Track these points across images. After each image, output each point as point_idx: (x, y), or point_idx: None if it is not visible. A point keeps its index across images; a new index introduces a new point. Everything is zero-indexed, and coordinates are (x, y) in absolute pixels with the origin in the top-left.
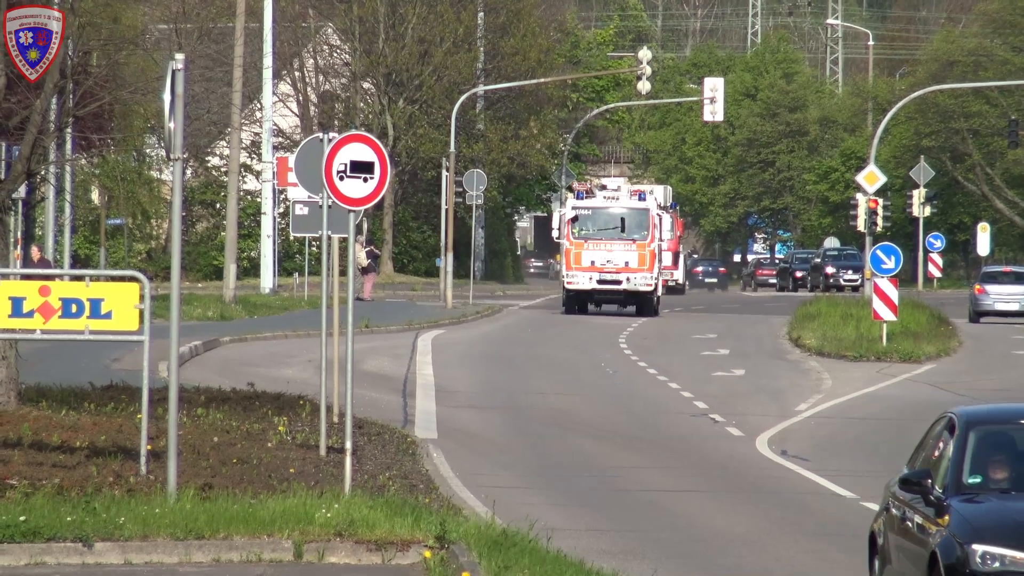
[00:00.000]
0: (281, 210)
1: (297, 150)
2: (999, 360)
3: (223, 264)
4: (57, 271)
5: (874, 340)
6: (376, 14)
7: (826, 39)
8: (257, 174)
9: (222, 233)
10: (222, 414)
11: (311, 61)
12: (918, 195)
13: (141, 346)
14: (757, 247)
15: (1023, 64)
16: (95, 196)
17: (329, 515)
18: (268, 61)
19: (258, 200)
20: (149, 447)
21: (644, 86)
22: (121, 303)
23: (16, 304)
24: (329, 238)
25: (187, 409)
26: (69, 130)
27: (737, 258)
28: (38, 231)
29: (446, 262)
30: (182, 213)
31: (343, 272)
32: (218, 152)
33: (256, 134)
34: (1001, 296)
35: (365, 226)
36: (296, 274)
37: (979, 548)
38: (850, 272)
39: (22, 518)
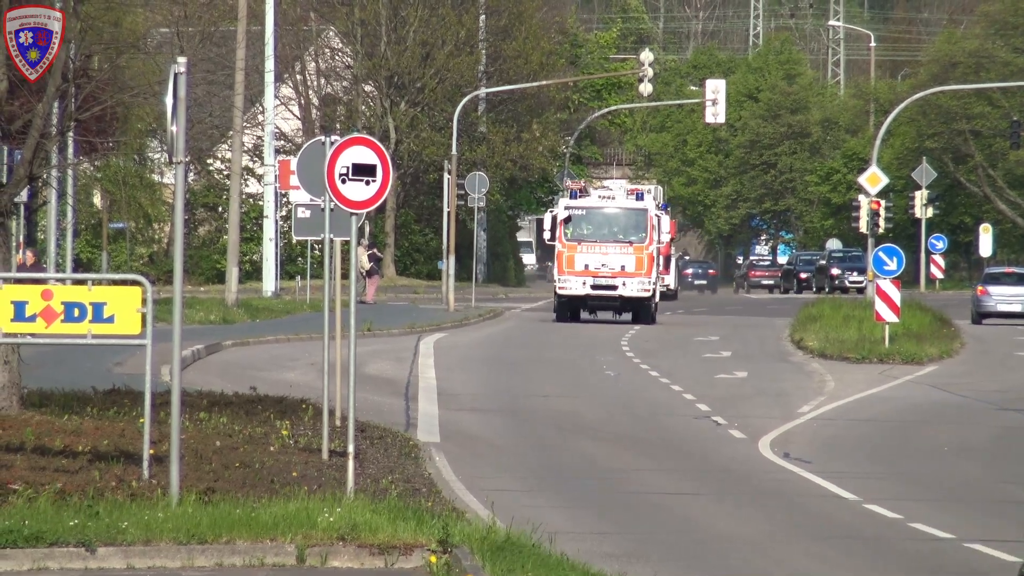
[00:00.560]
0: (283, 213)
1: (299, 153)
2: (1002, 362)
3: (225, 268)
4: (52, 275)
5: (876, 342)
6: (378, 17)
7: (827, 41)
8: (259, 177)
9: (224, 236)
10: (224, 418)
11: (313, 64)
12: (920, 196)
13: (143, 350)
14: (760, 249)
15: None
16: (97, 200)
17: (332, 519)
18: (270, 64)
19: (260, 203)
20: (152, 451)
21: (646, 88)
22: (123, 307)
23: (18, 308)
24: (331, 241)
25: (189, 413)
26: (71, 134)
27: (740, 260)
28: (40, 235)
29: (448, 265)
30: (184, 216)
31: (345, 275)
32: (220, 155)
33: (258, 137)
34: (1004, 297)
35: (367, 229)
36: (298, 277)
37: None
38: (855, 274)
39: (24, 523)
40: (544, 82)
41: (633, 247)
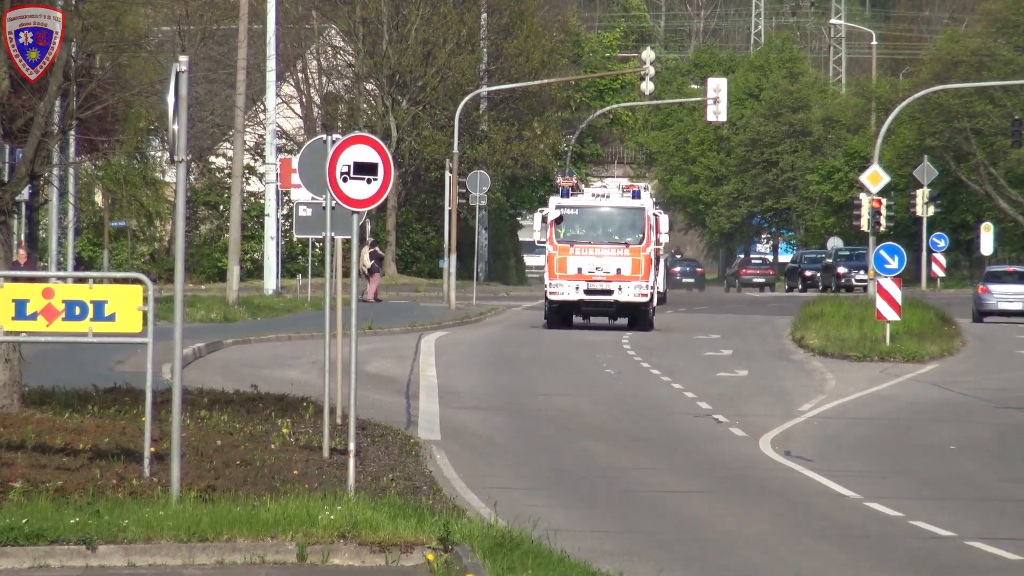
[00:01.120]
0: (284, 212)
1: (301, 152)
2: (1003, 360)
3: (226, 266)
4: (53, 273)
5: (878, 340)
6: (379, 15)
7: (829, 39)
8: (260, 176)
9: (225, 235)
10: (225, 416)
11: (314, 63)
12: (921, 195)
13: (144, 348)
14: (760, 247)
15: None
16: (99, 198)
17: (332, 517)
18: (271, 63)
19: (261, 202)
20: (152, 449)
21: (647, 87)
22: (124, 305)
23: (20, 306)
24: (332, 239)
25: (190, 411)
26: (72, 132)
27: (741, 257)
28: (42, 234)
29: (449, 263)
30: (185, 215)
31: (346, 273)
32: (222, 154)
33: (260, 136)
34: (1005, 295)
35: (368, 227)
36: (299, 276)
37: None
38: (862, 272)
39: (25, 521)
40: (545, 80)
41: (629, 249)
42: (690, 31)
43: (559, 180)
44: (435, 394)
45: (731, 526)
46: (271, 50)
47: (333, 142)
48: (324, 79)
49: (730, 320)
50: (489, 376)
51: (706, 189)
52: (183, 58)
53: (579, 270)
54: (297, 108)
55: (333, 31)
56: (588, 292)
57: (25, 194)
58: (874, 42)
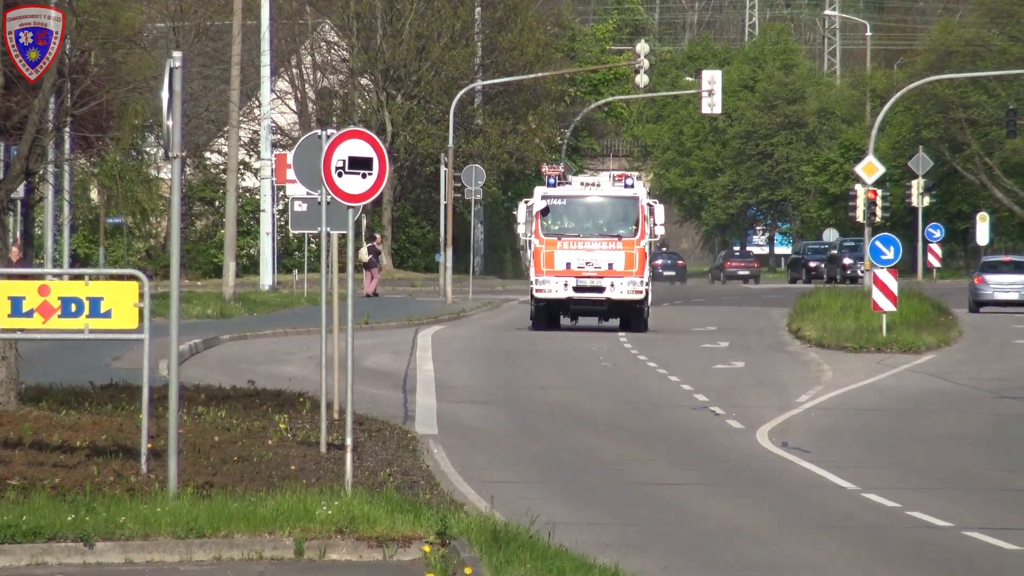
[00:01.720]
0: (280, 207)
1: (295, 147)
2: (999, 350)
3: (222, 262)
4: (49, 270)
5: (874, 331)
6: (373, 10)
7: (823, 30)
8: (256, 171)
9: (221, 231)
10: (223, 412)
11: (309, 58)
12: (917, 185)
13: (141, 345)
14: (757, 239)
15: (1021, 53)
16: (94, 195)
17: (330, 512)
18: (266, 58)
19: (257, 197)
20: (150, 446)
21: (642, 79)
22: (121, 302)
23: (15, 304)
24: (328, 235)
25: (187, 407)
26: (67, 129)
27: (736, 249)
28: (37, 231)
29: (445, 257)
30: (181, 211)
31: (342, 268)
32: (217, 149)
33: (255, 131)
34: (1001, 286)
35: (364, 222)
36: (295, 271)
37: None
38: None
39: (23, 518)
40: (540, 74)
41: (622, 242)
42: (684, 23)
43: (544, 168)
44: (432, 388)
45: (728, 518)
46: (265, 45)
47: (328, 137)
48: (318, 74)
49: (726, 312)
50: (486, 370)
51: (702, 181)
52: (177, 54)
53: (568, 265)
54: (292, 103)
55: (327, 26)
56: (578, 289)
57: (21, 191)
58: (868, 33)
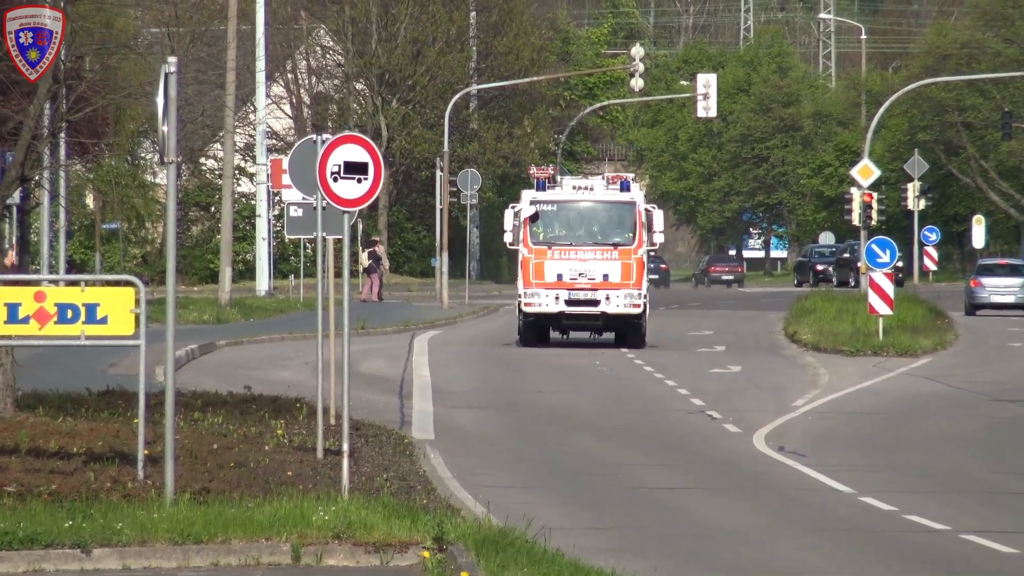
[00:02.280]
0: (276, 212)
1: (291, 152)
2: (996, 353)
3: (218, 267)
4: (45, 276)
5: (870, 334)
6: (368, 15)
7: (818, 34)
8: (251, 176)
9: (217, 236)
10: (219, 418)
11: (304, 63)
12: (913, 188)
13: (137, 351)
14: (752, 242)
15: (1016, 56)
16: (90, 201)
17: (327, 517)
18: (261, 64)
19: (253, 202)
20: (146, 452)
21: (637, 83)
22: (116, 308)
23: (12, 310)
24: (324, 240)
25: (184, 413)
26: (63, 135)
27: (732, 253)
28: (33, 237)
29: (441, 262)
30: (177, 216)
31: (338, 274)
32: (212, 155)
33: (250, 136)
34: (997, 288)
35: (360, 227)
36: (292, 276)
37: None
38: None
39: (20, 525)
40: (535, 78)
41: (618, 251)
42: (679, 27)
43: (532, 170)
44: (428, 393)
45: (725, 522)
46: (260, 51)
47: (323, 142)
48: (314, 79)
49: (722, 316)
50: (482, 375)
51: (697, 185)
52: (172, 59)
53: (559, 277)
54: (287, 108)
55: (322, 31)
56: (570, 303)
57: (16, 197)
58: (863, 36)
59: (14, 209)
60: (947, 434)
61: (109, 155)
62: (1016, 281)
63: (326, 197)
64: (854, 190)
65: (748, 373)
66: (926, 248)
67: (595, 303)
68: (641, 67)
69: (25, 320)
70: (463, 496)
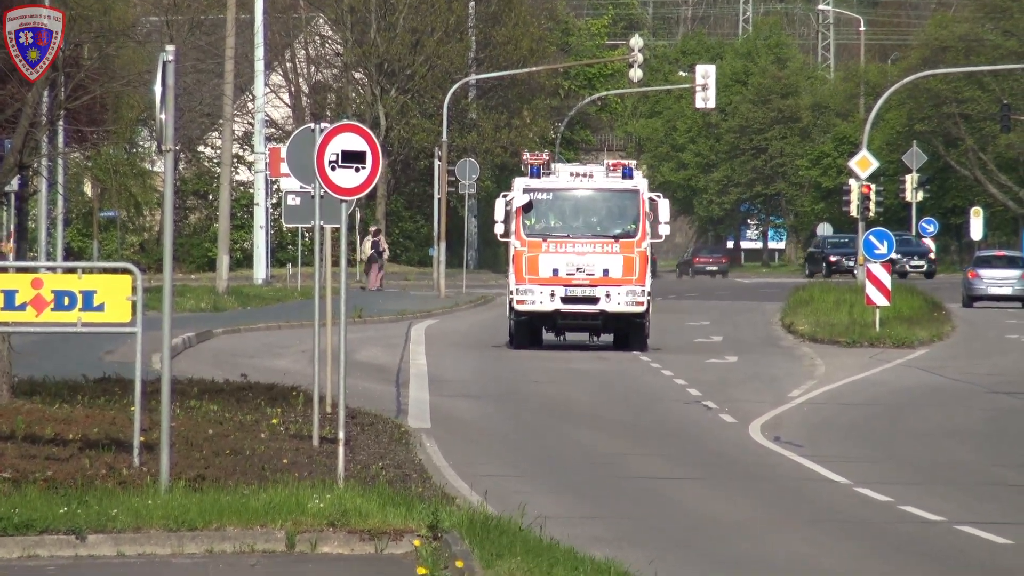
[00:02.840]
0: (274, 201)
1: (289, 141)
2: (993, 345)
3: (216, 255)
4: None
5: (867, 326)
6: (367, 4)
7: (817, 25)
8: (249, 165)
9: (215, 224)
10: (215, 405)
11: (302, 52)
12: (911, 180)
13: (134, 338)
14: (750, 233)
15: (1015, 48)
16: (88, 189)
17: (322, 505)
18: (259, 52)
19: (251, 191)
20: (142, 439)
21: (636, 74)
22: (113, 295)
23: (8, 297)
24: (321, 228)
25: (180, 401)
26: (61, 123)
27: (730, 244)
28: (31, 224)
29: (439, 252)
30: (175, 205)
31: (336, 262)
32: (210, 143)
33: (248, 125)
34: (994, 280)
35: (358, 216)
36: (289, 265)
37: None
38: (915, 258)
39: (15, 511)
40: (534, 68)
41: (620, 243)
42: (678, 18)
43: (525, 156)
44: (425, 382)
45: (721, 512)
46: (259, 39)
47: (321, 131)
48: (312, 68)
49: (720, 306)
50: (479, 364)
51: (695, 176)
52: (170, 48)
53: (555, 272)
54: (286, 97)
55: (321, 20)
56: (567, 300)
57: (14, 184)
58: (862, 28)
59: (12, 196)
60: (943, 425)
61: (107, 143)
62: (1013, 273)
63: (324, 186)
64: (852, 181)
65: (744, 364)
66: (924, 239)
67: (594, 301)
68: (640, 58)
69: (22, 307)
70: (458, 485)
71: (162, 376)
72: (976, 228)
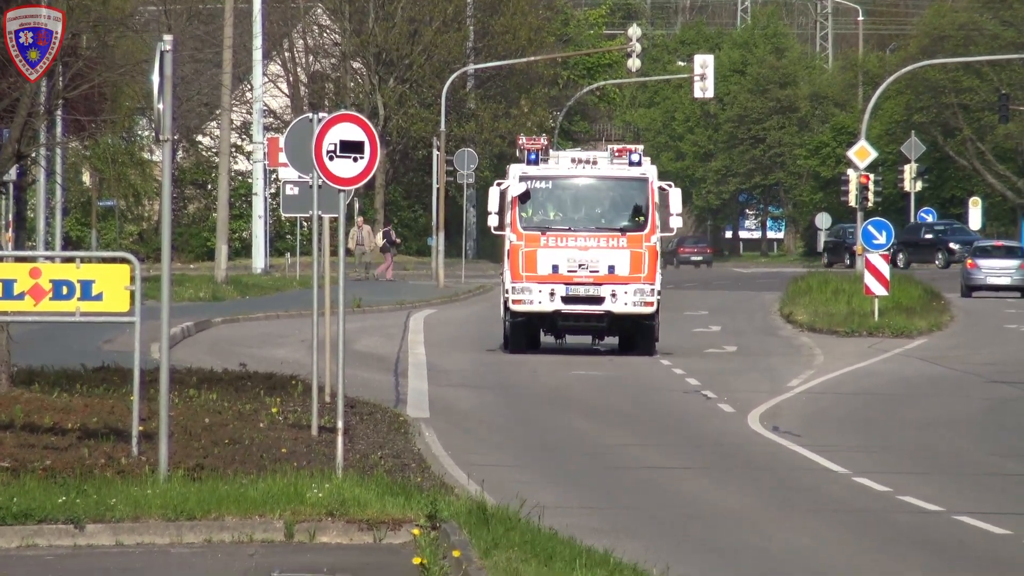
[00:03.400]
0: (272, 190)
1: (287, 130)
2: (991, 334)
3: (215, 245)
4: (40, 252)
5: (866, 315)
6: None
7: (815, 14)
8: (248, 155)
9: (213, 214)
10: (214, 395)
11: (301, 41)
12: (909, 170)
13: (132, 327)
14: (748, 223)
15: (1013, 38)
16: (86, 178)
17: (320, 495)
18: (258, 42)
19: (249, 181)
20: (141, 428)
21: (634, 63)
22: (112, 285)
23: (7, 286)
24: (320, 218)
25: (179, 390)
26: (59, 112)
27: (728, 234)
28: (30, 213)
29: (437, 241)
30: (173, 194)
31: (334, 252)
32: (209, 133)
33: (247, 114)
34: (993, 270)
35: (356, 206)
36: (288, 254)
37: None
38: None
39: (13, 500)
40: (532, 58)
41: (627, 237)
42: (676, 7)
43: (522, 141)
44: (424, 372)
45: (719, 502)
46: (257, 28)
47: (319, 121)
48: (311, 58)
49: (718, 296)
50: (477, 354)
51: (694, 165)
52: (168, 37)
53: (554, 269)
54: (284, 87)
55: (319, 9)
56: (568, 300)
57: (12, 174)
58: (860, 17)
59: (10, 186)
60: (941, 415)
61: (106, 132)
62: (1012, 263)
63: (322, 176)
64: (851, 171)
65: (743, 353)
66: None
67: (598, 300)
68: (638, 47)
69: (20, 296)
70: (457, 475)
71: (161, 365)
72: (975, 218)
